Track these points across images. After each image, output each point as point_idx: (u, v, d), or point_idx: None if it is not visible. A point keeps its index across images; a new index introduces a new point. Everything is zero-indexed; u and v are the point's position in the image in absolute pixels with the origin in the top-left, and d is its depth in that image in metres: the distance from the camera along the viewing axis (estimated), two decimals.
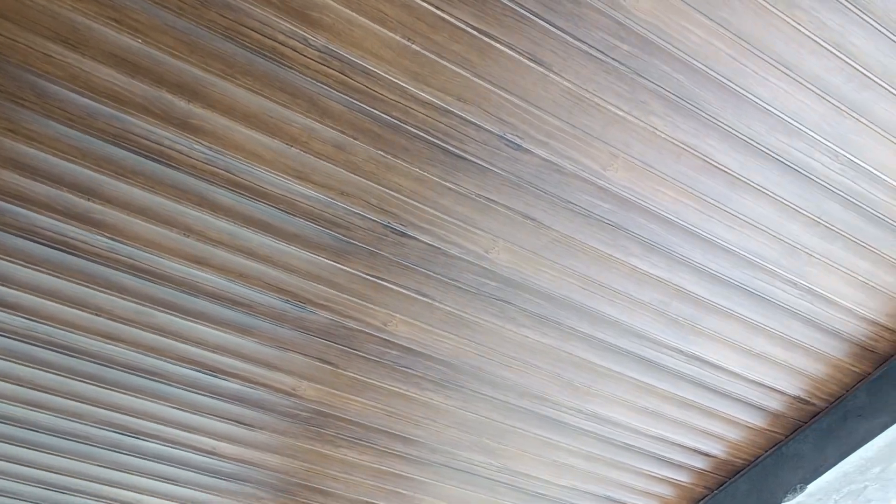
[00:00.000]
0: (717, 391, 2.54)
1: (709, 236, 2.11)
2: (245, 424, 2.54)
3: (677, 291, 2.24)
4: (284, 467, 2.70)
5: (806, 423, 2.67)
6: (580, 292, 2.23)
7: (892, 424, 2.43)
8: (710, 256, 2.16)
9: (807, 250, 2.16)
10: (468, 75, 1.77)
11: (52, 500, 2.73)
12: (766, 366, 2.46)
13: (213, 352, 2.31)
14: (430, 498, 2.88)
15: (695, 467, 2.81)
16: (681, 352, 2.41)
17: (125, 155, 1.87)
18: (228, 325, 2.25)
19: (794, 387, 2.53)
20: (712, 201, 2.03)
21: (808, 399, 2.58)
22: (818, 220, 2.08)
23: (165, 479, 2.69)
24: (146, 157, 1.88)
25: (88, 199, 1.95)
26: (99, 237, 2.02)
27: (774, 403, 2.58)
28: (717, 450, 2.75)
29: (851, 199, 2.04)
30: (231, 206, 1.99)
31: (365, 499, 2.85)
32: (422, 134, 1.87)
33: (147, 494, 2.75)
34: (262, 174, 1.92)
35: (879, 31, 1.73)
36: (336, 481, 2.77)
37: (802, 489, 2.62)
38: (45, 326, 2.20)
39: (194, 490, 2.75)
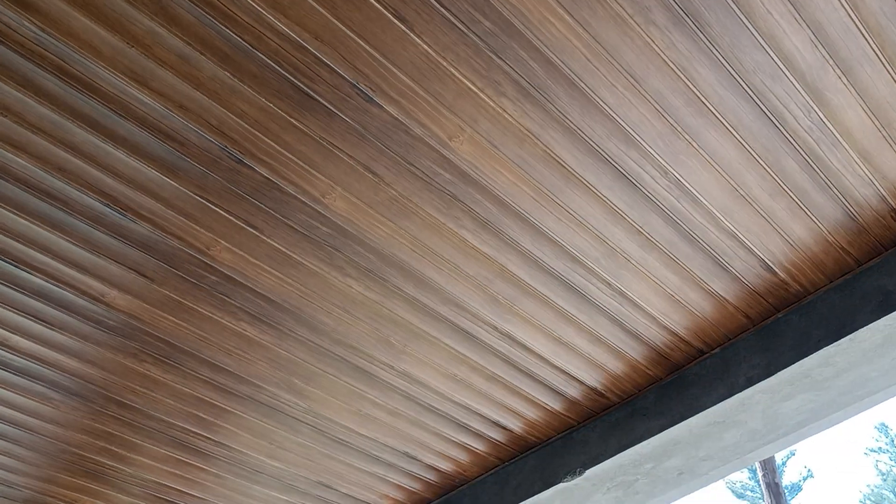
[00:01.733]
0: (523, 371, 2.66)
1: (539, 225, 2.18)
2: (44, 321, 2.42)
3: (501, 271, 2.32)
4: (82, 372, 2.61)
5: (597, 413, 2.85)
6: (409, 254, 2.26)
7: (669, 427, 2.64)
8: (538, 244, 2.24)
9: (625, 255, 2.28)
10: (328, 15, 1.73)
11: None
12: (572, 355, 2.60)
13: (19, 241, 2.18)
14: (231, 427, 2.88)
15: (492, 438, 2.95)
16: (496, 328, 2.50)
17: None
18: (39, 217, 2.13)
19: (593, 379, 2.69)
20: (547, 192, 2.10)
21: (604, 392, 2.75)
22: (640, 229, 2.20)
23: None
24: None
25: None
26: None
27: (573, 391, 2.74)
28: (514, 425, 2.89)
29: (673, 216, 2.17)
30: (58, 94, 1.86)
31: (163, 417, 2.81)
32: (273, 64, 1.82)
33: None
34: (97, 69, 1.81)
35: (722, 64, 1.82)
36: (136, 395, 2.71)
37: (581, 473, 2.81)
38: None
39: None
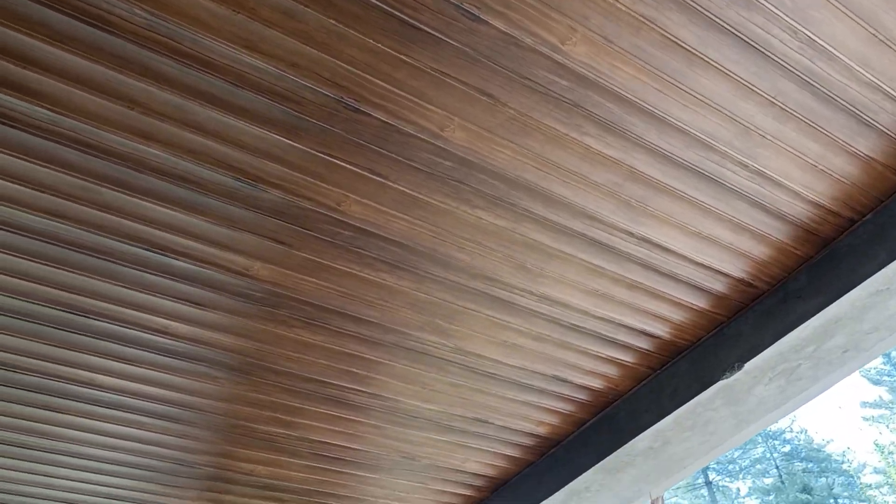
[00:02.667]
0: (665, 273, 2.60)
1: (664, 116, 2.10)
2: (197, 304, 2.53)
3: (631, 172, 2.25)
4: (238, 347, 2.72)
5: (747, 305, 2.77)
6: (535, 173, 2.23)
7: (827, 305, 2.54)
8: (665, 137, 2.16)
9: (760, 131, 2.17)
10: None
11: (5, 380, 2.71)
12: (714, 248, 2.52)
13: (162, 230, 2.27)
14: (383, 377, 2.95)
15: (640, 348, 2.92)
16: (631, 234, 2.45)
17: (59, 18, 1.77)
18: (177, 203, 2.20)
19: (738, 269, 2.61)
20: (669, 79, 2.01)
21: (752, 282, 2.66)
22: (773, 100, 2.09)
23: (119, 358, 2.69)
24: (83, 20, 1.77)
25: (24, 67, 1.85)
26: (39, 109, 1.92)
27: (719, 286, 2.67)
28: (661, 331, 2.85)
29: (807, 79, 2.04)
30: (176, 76, 1.90)
31: (319, 378, 2.91)
32: (375, 1, 1.80)
33: (101, 373, 2.75)
34: (208, 42, 1.84)
35: None
36: (291, 361, 2.81)
37: (740, 367, 2.74)
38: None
39: (148, 369, 2.76)
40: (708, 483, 35.71)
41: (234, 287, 2.49)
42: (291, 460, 3.34)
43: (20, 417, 2.90)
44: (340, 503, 3.67)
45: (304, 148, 2.10)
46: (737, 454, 35.94)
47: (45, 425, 2.96)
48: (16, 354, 2.64)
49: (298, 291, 2.54)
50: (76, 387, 2.80)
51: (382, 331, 2.73)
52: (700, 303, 2.74)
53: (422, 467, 3.47)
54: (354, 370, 2.89)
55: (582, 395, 3.14)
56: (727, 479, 36.29)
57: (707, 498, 35.42)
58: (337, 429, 3.18)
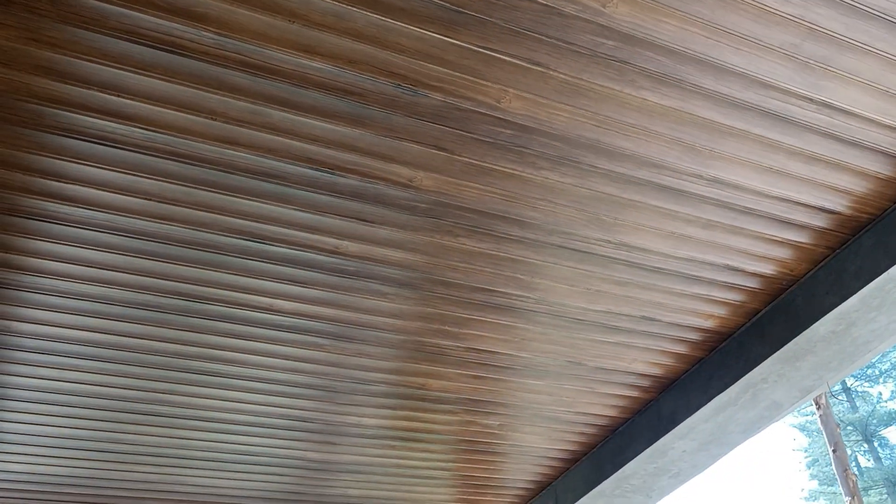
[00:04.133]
0: (848, 141, 2.42)
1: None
2: (365, 220, 2.58)
3: (810, 31, 2.08)
4: (406, 261, 2.76)
5: None
6: (704, 43, 2.09)
7: None
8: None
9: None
10: None
11: (190, 310, 2.88)
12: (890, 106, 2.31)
13: (329, 147, 2.31)
14: (548, 282, 2.93)
15: (817, 227, 2.75)
16: (810, 100, 2.28)
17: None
18: (341, 118, 2.23)
19: None
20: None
21: None
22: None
23: (294, 281, 2.80)
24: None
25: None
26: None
27: None
28: (842, 206, 2.67)
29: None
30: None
31: (485, 286, 2.92)
32: None
33: (279, 298, 2.87)
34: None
35: None
36: (456, 271, 2.84)
37: None
38: (165, 136, 2.22)
39: (322, 290, 2.86)
40: (846, 390, 34.31)
41: (399, 200, 2.51)
42: (461, 371, 3.41)
43: (208, 346, 3.09)
44: (509, 411, 3.73)
45: (462, 44, 2.05)
46: (875, 358, 34.21)
47: (230, 353, 3.14)
48: (199, 286, 2.78)
49: (462, 199, 2.53)
50: (257, 313, 2.93)
51: (546, 232, 2.70)
52: (887, 170, 2.53)
53: (588, 370, 3.47)
54: (520, 276, 2.89)
55: (754, 284, 3.01)
56: (866, 384, 34.70)
57: (847, 404, 34.07)
58: (504, 337, 3.21)
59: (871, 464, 32.15)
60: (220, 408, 3.45)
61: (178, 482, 4.02)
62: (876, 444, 32.69)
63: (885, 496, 30.13)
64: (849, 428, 32.90)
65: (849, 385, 34.49)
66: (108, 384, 3.25)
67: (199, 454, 3.79)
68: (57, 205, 2.41)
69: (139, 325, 2.94)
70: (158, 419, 3.48)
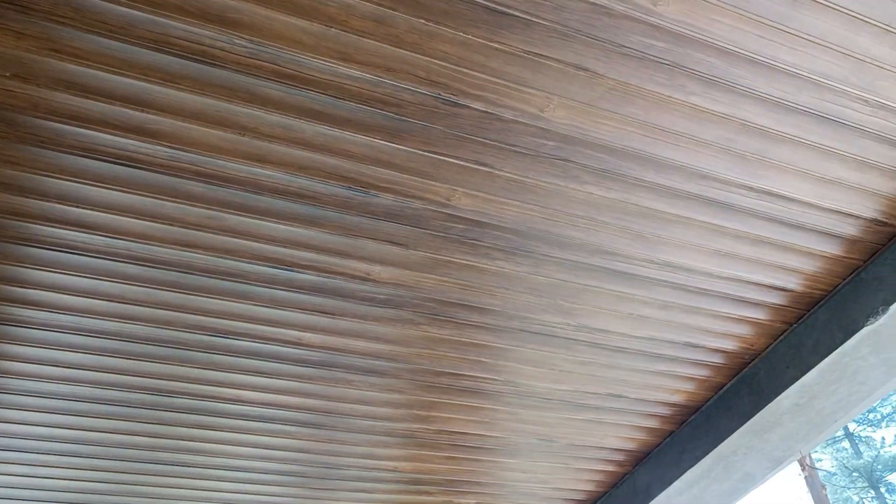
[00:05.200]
0: (791, 224, 2.49)
1: (771, 62, 2.01)
2: (326, 313, 2.62)
3: (743, 126, 2.17)
4: (370, 350, 2.80)
5: (884, 245, 2.61)
6: (641, 140, 2.18)
7: None
8: (775, 84, 2.07)
9: (877, 63, 2.04)
10: None
11: (158, 404, 2.91)
12: (840, 191, 2.39)
13: (285, 247, 2.37)
14: (512, 363, 2.97)
15: (772, 304, 2.81)
16: (750, 188, 2.36)
17: (169, 60, 1.87)
18: (296, 219, 2.29)
19: (869, 209, 2.47)
20: (772, 23, 1.92)
21: (885, 220, 2.51)
22: (888, 28, 1.96)
23: (260, 373, 2.83)
24: (190, 59, 1.87)
25: (142, 111, 1.97)
26: (160, 147, 2.04)
27: (850, 229, 2.53)
28: (793, 283, 2.73)
29: None
30: (281, 98, 1.98)
31: (450, 370, 2.96)
32: None
33: (246, 389, 2.90)
34: (307, 60, 1.90)
35: None
36: (421, 357, 2.87)
37: (885, 311, 2.60)
38: (124, 242, 2.28)
39: (288, 380, 2.89)
40: (849, 435, 33.93)
41: (358, 292, 2.57)
42: (432, 453, 3.41)
43: (177, 438, 3.10)
44: (485, 490, 3.72)
45: (408, 149, 2.13)
46: (876, 403, 33.88)
47: (199, 443, 3.15)
48: (166, 380, 2.82)
49: (420, 289, 2.59)
50: (224, 404, 2.96)
51: (506, 318, 2.75)
52: (832, 249, 2.61)
53: (560, 448, 3.48)
54: (484, 360, 2.93)
55: (717, 359, 3.05)
56: (869, 428, 34.34)
57: (850, 450, 33.65)
58: (473, 418, 3.23)
59: None
60: (192, 497, 3.44)
61: None
62: (882, 489, 32.20)
63: None
64: (854, 474, 32.42)
65: (851, 430, 34.12)
66: (78, 478, 3.25)
67: None
68: (22, 309, 2.46)
69: (107, 420, 2.95)
70: None
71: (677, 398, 3.25)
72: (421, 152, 2.15)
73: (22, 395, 2.78)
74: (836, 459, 33.66)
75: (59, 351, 2.61)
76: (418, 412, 3.16)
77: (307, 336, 2.71)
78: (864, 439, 34.15)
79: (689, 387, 3.19)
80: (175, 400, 2.90)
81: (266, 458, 3.28)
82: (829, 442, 33.93)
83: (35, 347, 2.59)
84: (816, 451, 34.00)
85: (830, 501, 31.83)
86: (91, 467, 3.17)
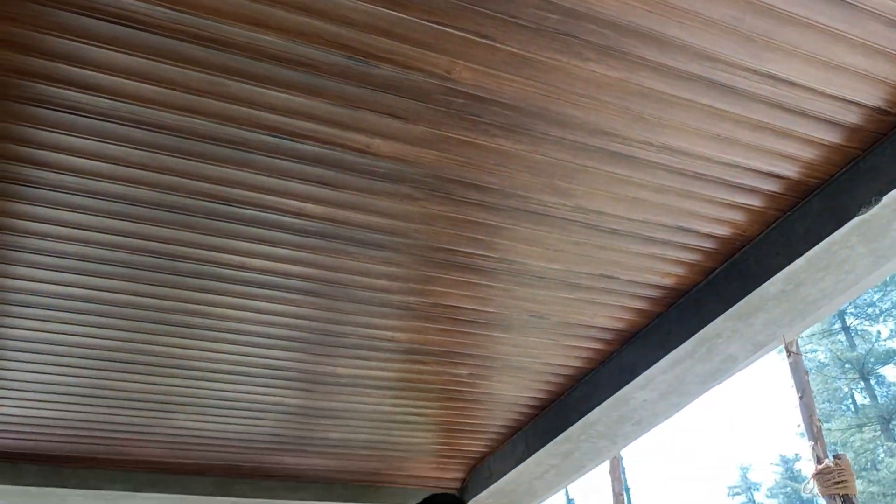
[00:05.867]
0: (793, 110, 2.49)
1: None
2: (327, 184, 2.66)
3: (750, 4, 2.13)
4: (368, 222, 2.86)
5: (884, 135, 2.61)
6: (647, 16, 2.15)
7: None
8: None
9: None
10: None
11: (163, 267, 3.00)
12: (846, 77, 2.37)
13: (286, 116, 2.38)
14: (508, 241, 3.03)
15: (767, 191, 2.84)
16: (755, 72, 2.34)
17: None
18: (296, 88, 2.29)
19: (874, 97, 2.45)
20: None
21: (888, 109, 2.50)
22: None
23: (261, 241, 2.90)
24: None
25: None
26: (158, 7, 2.03)
27: (852, 117, 2.53)
28: (790, 171, 2.75)
29: None
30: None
31: (447, 246, 3.03)
32: None
33: (249, 257, 2.98)
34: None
35: None
36: (418, 232, 2.93)
37: (877, 201, 2.63)
38: (128, 105, 2.29)
39: (290, 250, 2.97)
40: (845, 328, 34.66)
41: (358, 165, 2.60)
42: (428, 325, 3.54)
43: (183, 301, 3.21)
44: (477, 362, 3.88)
45: (409, 17, 2.11)
46: (876, 296, 34.33)
47: (205, 307, 3.26)
48: (172, 244, 2.89)
49: (419, 164, 2.62)
50: (228, 270, 3.05)
51: (503, 196, 2.79)
52: (831, 137, 2.61)
53: (551, 325, 3.60)
54: (480, 237, 2.99)
55: (708, 244, 3.12)
56: (866, 322, 35.02)
57: (845, 342, 34.46)
58: (468, 293, 3.33)
59: (866, 401, 32.78)
60: (198, 357, 3.60)
61: (162, 425, 4.21)
62: (872, 381, 33.24)
63: (878, 432, 30.78)
64: (846, 366, 33.39)
65: (848, 324, 34.85)
66: (92, 335, 3.39)
67: (181, 399, 3.96)
68: (30, 169, 2.50)
69: (116, 281, 3.06)
70: (140, 367, 3.64)
71: (667, 281, 3.33)
72: (422, 21, 2.12)
73: (33, 253, 2.86)
74: (830, 351, 34.52)
75: (66, 212, 2.68)
76: (415, 285, 3.26)
77: (308, 207, 2.76)
78: (860, 332, 34.91)
79: (679, 270, 3.27)
80: (180, 264, 2.99)
81: (269, 323, 3.41)
82: (824, 333, 34.70)
83: (43, 207, 2.65)
84: (811, 343, 34.84)
85: (818, 391, 32.89)
86: (101, 325, 3.30)
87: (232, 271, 3.06)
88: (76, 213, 2.69)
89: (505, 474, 4.74)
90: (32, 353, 3.47)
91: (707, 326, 3.29)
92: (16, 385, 3.72)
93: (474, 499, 5.09)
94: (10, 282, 3.02)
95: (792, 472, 38.95)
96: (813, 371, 33.46)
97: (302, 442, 4.60)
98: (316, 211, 2.78)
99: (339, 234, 2.91)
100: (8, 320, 3.25)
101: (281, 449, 4.65)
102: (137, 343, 3.46)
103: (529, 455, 4.49)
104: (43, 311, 3.19)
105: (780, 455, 40.21)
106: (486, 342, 3.72)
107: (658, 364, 3.55)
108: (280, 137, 2.46)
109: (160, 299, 3.18)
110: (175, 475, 4.66)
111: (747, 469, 44.06)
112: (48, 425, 4.10)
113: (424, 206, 2.80)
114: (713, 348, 3.44)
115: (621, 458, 7.24)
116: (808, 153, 2.67)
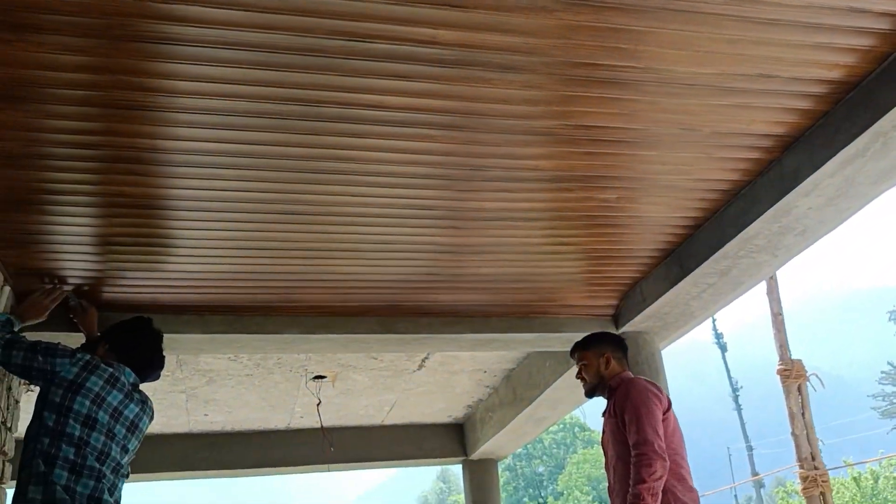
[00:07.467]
0: None
1: None
2: (458, 6, 2.54)
3: None
4: (505, 44, 2.74)
5: None
6: None
7: None
8: None
9: None
10: None
11: (307, 114, 3.04)
12: None
13: None
14: (652, 47, 2.83)
15: None
16: None
17: None
18: None
19: None
20: None
21: None
22: None
23: (397, 76, 2.87)
24: None
25: None
26: None
27: None
28: None
29: None
30: None
31: (587, 60, 2.87)
32: None
33: (385, 94, 2.97)
34: None
35: None
36: (556, 48, 2.79)
37: None
38: None
39: (426, 82, 2.92)
40: None
41: None
42: (571, 150, 3.45)
43: (329, 147, 3.28)
44: (624, 185, 3.78)
45: None
46: None
47: (349, 151, 3.32)
48: (313, 90, 2.92)
49: None
50: (368, 111, 3.06)
51: None
52: None
53: (703, 137, 3.41)
54: (622, 45, 2.81)
55: (884, 25, 2.77)
56: None
57: None
58: (612, 111, 3.19)
59: None
60: (350, 202, 3.72)
61: (326, 272, 4.46)
62: None
63: None
64: None
65: None
66: (250, 189, 3.56)
67: (340, 245, 4.15)
68: (170, 26, 2.55)
69: (266, 133, 3.14)
70: (298, 217, 3.81)
71: (835, 74, 3.03)
72: None
73: (187, 112, 2.97)
74: None
75: (210, 66, 2.73)
76: (557, 108, 3.15)
77: (441, 33, 2.68)
78: None
79: (849, 60, 2.95)
80: (323, 109, 3.03)
81: (412, 162, 3.44)
82: None
83: (187, 64, 2.71)
84: None
85: None
86: (257, 178, 3.44)
87: (372, 111, 3.06)
88: (220, 67, 2.75)
89: (659, 297, 4.72)
90: (201, 210, 3.71)
91: (882, 118, 3.00)
92: (192, 242, 4.01)
93: (629, 322, 5.14)
94: (170, 143, 3.18)
95: None
96: None
97: (455, 279, 4.75)
98: (449, 37, 2.70)
99: (475, 59, 2.82)
100: (174, 181, 3.46)
101: (436, 287, 4.83)
102: (292, 193, 3.61)
103: (685, 276, 4.41)
104: (203, 169, 3.36)
105: None
106: (633, 162, 3.60)
107: (824, 167, 3.31)
108: (354, 40, 2.38)
109: (308, 147, 3.27)
110: (342, 317, 4.99)
111: None
112: (226, 278, 4.44)
113: (561, 17, 2.64)
114: (889, 143, 3.14)
115: (777, 281, 7.07)
116: None
